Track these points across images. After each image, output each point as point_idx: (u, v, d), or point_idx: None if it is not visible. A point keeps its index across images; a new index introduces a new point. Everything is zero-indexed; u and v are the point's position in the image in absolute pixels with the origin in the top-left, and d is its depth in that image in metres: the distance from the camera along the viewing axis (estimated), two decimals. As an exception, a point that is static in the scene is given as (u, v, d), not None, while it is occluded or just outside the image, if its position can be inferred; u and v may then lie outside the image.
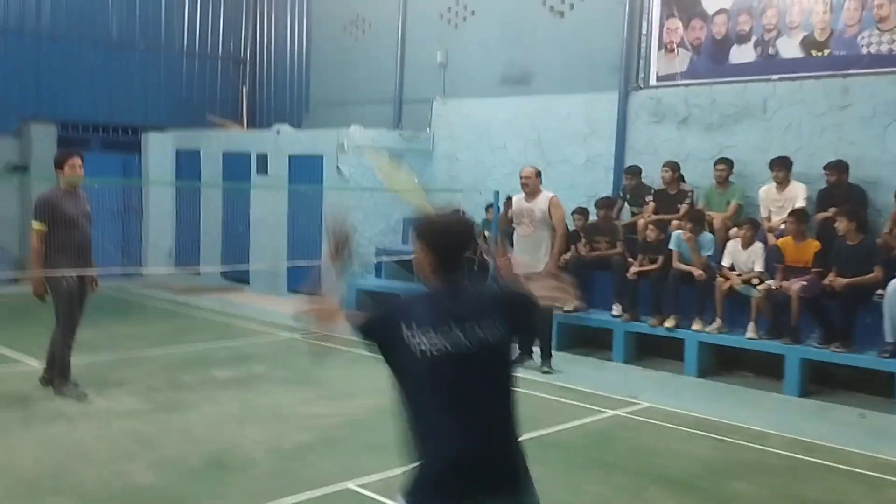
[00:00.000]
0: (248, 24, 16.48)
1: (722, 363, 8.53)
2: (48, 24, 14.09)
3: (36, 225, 6.60)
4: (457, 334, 2.57)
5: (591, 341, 9.55)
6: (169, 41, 15.52)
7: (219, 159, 14.21)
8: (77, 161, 6.83)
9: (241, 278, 13.59)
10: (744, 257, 8.25)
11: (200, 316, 11.18)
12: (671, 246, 8.66)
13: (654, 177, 9.97)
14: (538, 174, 8.44)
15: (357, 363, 9.08)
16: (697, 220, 8.48)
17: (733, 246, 8.35)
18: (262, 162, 13.43)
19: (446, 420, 2.54)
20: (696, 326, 8.35)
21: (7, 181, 13.58)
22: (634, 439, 6.36)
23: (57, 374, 6.83)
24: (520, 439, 2.67)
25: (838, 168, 8.40)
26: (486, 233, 10.97)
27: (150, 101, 15.33)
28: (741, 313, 8.20)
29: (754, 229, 8.23)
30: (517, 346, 8.32)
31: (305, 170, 12.68)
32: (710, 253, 8.46)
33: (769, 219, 8.79)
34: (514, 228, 8.76)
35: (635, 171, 10.02)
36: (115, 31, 14.87)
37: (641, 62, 10.59)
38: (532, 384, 7.84)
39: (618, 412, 7.01)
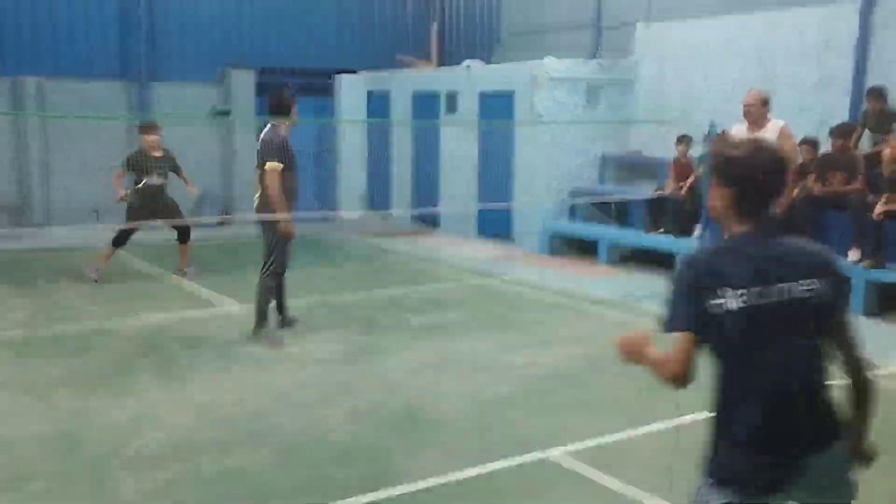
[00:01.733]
0: (435, -42, 15.99)
1: None
2: (247, -28, 14.34)
3: (274, 165, 6.40)
4: (774, 293, 2.30)
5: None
6: (359, -17, 15.39)
7: (409, 100, 13.92)
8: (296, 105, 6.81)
9: (432, 220, 13.36)
10: None
11: (393, 260, 11.00)
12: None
13: (902, 100, 8.51)
14: (764, 102, 7.32)
15: (555, 308, 8.59)
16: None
17: None
18: (452, 101, 12.98)
19: (758, 379, 2.32)
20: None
21: (211, 127, 14.05)
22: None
23: (256, 318, 6.74)
24: (828, 392, 2.40)
25: None
26: (702, 168, 9.92)
27: (342, 44, 15.31)
28: None
29: None
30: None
31: (496, 107, 12.08)
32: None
33: None
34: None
35: (879, 94, 8.55)
36: (308, -24, 14.91)
37: (891, -38, 8.98)
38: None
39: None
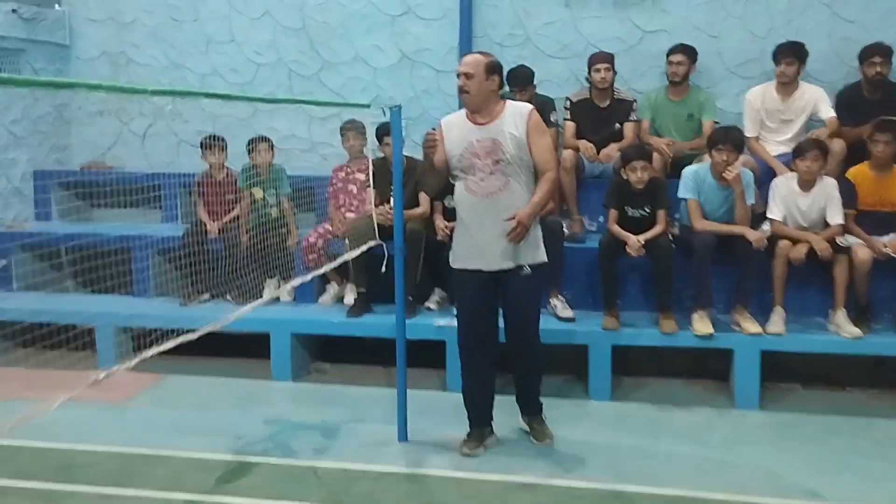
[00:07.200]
0: None
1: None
2: None
3: None
4: None
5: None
6: None
7: None
8: None
9: None
10: (805, 204, 5.08)
11: None
12: (684, 194, 5.11)
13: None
14: (491, 69, 4.03)
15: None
16: (737, 144, 5.01)
17: (785, 186, 5.12)
18: None
19: None
20: (751, 327, 4.95)
21: None
22: None
23: None
24: None
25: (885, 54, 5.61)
26: (253, 187, 6.11)
27: None
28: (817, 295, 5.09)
29: (824, 158, 5.05)
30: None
31: None
32: (752, 201, 5.08)
33: (757, 139, 5.76)
34: (453, 179, 4.25)
35: (526, 75, 6.00)
36: None
37: None
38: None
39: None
